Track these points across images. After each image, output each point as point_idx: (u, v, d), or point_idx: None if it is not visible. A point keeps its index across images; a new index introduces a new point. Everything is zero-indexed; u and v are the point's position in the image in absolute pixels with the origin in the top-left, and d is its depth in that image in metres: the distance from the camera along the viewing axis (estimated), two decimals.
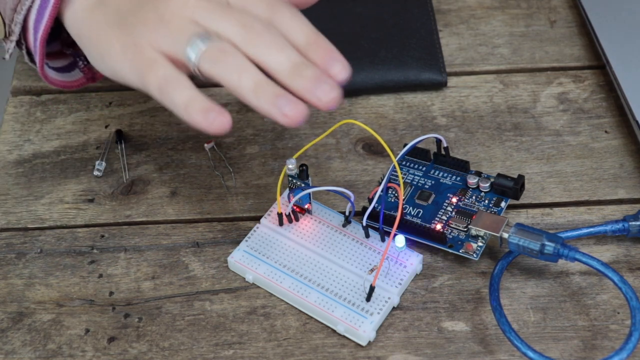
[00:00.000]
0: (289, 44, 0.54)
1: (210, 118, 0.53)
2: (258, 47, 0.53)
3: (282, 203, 0.64)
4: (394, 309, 0.60)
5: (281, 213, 0.63)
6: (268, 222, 0.64)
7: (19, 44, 0.64)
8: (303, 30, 0.55)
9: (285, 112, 0.52)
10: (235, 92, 0.54)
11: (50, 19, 0.60)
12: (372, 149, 0.70)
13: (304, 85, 0.52)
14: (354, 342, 0.59)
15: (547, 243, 0.58)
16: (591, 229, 0.62)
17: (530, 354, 0.55)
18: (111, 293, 0.62)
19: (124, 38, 0.57)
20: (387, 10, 0.76)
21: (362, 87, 0.72)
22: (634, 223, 0.61)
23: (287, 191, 0.64)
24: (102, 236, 0.65)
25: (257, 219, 0.65)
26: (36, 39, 0.62)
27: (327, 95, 0.52)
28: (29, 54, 0.64)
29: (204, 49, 0.54)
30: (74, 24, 0.61)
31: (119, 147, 0.70)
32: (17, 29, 0.62)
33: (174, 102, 0.54)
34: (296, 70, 0.53)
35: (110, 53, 0.58)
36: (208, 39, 0.54)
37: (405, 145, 0.65)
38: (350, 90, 0.72)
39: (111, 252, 0.64)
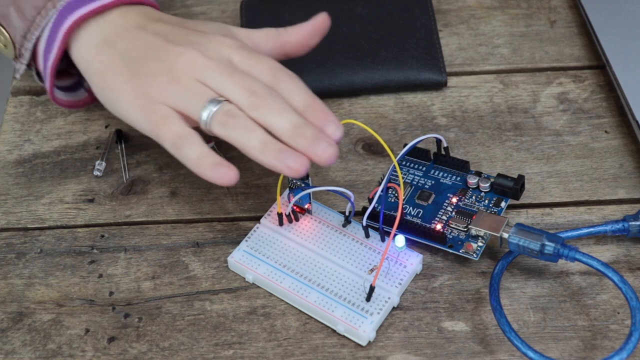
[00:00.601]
0: (290, 108, 0.59)
1: (220, 172, 0.59)
2: (263, 111, 0.58)
3: (282, 203, 0.64)
4: (394, 309, 0.60)
5: (281, 213, 0.63)
6: (268, 222, 0.64)
7: (29, 66, 0.67)
8: (301, 95, 0.60)
9: (289, 165, 0.57)
10: (243, 151, 0.59)
11: (60, 52, 0.64)
12: (372, 149, 0.70)
13: (305, 145, 0.57)
14: (354, 342, 0.59)
15: (547, 243, 0.58)
16: (591, 229, 0.62)
17: (531, 354, 0.55)
18: (111, 293, 0.62)
19: (135, 89, 0.61)
20: (387, 10, 0.76)
21: (362, 87, 0.72)
22: (634, 223, 0.61)
23: (287, 191, 0.64)
24: (102, 236, 0.65)
25: (257, 219, 0.65)
26: (46, 67, 0.64)
27: (325, 153, 0.57)
28: (38, 75, 0.67)
29: (215, 111, 0.59)
30: (81, 61, 0.64)
31: (119, 147, 0.70)
32: (27, 54, 0.66)
33: (187, 156, 0.59)
34: (297, 131, 0.58)
35: (122, 100, 0.62)
36: (219, 103, 0.59)
37: (405, 145, 0.65)
38: (350, 90, 0.73)
39: (111, 252, 0.64)
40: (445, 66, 0.73)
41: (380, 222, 0.62)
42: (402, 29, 0.75)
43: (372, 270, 0.60)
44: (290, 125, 0.58)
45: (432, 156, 0.67)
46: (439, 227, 0.62)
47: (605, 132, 0.70)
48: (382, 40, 0.74)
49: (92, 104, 0.70)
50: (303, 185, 0.63)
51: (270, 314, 0.61)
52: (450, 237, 0.62)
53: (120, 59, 0.62)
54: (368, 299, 0.59)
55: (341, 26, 0.74)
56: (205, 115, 0.59)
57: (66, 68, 0.68)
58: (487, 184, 0.64)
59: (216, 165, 0.59)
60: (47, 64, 0.64)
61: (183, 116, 0.60)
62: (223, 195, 0.67)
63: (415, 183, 0.65)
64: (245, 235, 0.64)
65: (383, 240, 0.62)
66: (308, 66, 0.72)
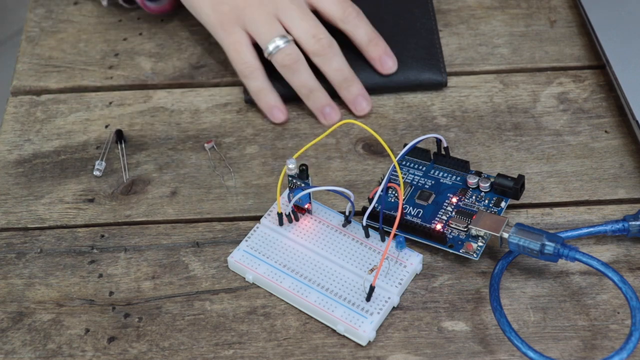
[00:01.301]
0: (344, 61, 0.71)
1: (273, 113, 0.71)
2: (321, 59, 0.71)
3: (282, 203, 0.64)
4: (394, 308, 0.60)
5: (281, 213, 0.63)
6: (268, 222, 0.64)
7: None
8: (366, 29, 0.72)
9: (325, 114, 0.71)
10: (295, 89, 0.71)
11: None
12: (372, 149, 0.70)
13: (348, 97, 0.72)
14: (354, 342, 0.59)
15: (547, 243, 0.58)
16: (591, 229, 0.62)
17: (531, 354, 0.55)
18: (111, 293, 0.62)
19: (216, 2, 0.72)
20: (388, 10, 0.76)
21: (363, 86, 0.72)
22: (634, 223, 0.61)
23: (287, 191, 0.64)
24: (102, 236, 0.65)
25: (257, 219, 0.65)
26: None
27: (361, 107, 0.72)
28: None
29: (280, 48, 0.70)
30: None
31: (119, 147, 0.70)
32: None
33: (248, 86, 0.72)
34: (345, 84, 0.71)
35: (202, 7, 0.72)
36: (287, 42, 0.70)
37: (405, 145, 0.65)
38: None
39: (111, 252, 0.64)
40: (446, 66, 0.73)
41: (380, 222, 0.62)
42: (402, 29, 0.75)
43: (372, 270, 0.60)
44: (342, 77, 0.71)
45: (432, 156, 0.67)
46: (439, 227, 0.62)
47: (605, 132, 0.70)
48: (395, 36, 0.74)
49: (170, 11, 0.79)
50: (303, 185, 0.63)
51: (270, 314, 0.61)
52: (451, 237, 0.62)
53: None
54: (368, 299, 0.59)
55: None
56: (271, 47, 0.70)
57: None
58: (487, 184, 0.64)
59: (271, 107, 0.71)
60: None
61: (251, 38, 0.71)
62: (223, 195, 0.67)
63: (415, 183, 0.65)
64: (245, 235, 0.64)
65: (383, 240, 0.62)
66: (310, 64, 0.71)
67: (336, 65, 0.71)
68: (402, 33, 0.75)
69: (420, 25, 0.75)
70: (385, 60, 0.72)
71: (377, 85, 0.73)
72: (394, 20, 0.75)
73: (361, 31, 0.72)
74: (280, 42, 0.70)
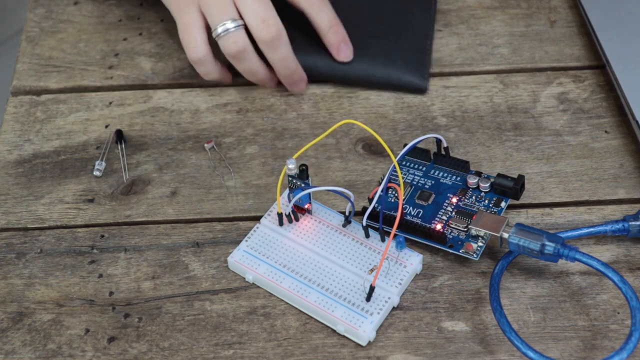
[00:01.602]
0: (290, 52, 0.70)
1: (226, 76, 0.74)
2: (267, 46, 0.69)
3: (282, 203, 0.64)
4: (394, 309, 0.60)
5: (281, 213, 0.63)
6: (268, 222, 0.64)
7: None
8: (328, 15, 0.72)
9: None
10: (241, 74, 0.72)
11: None
12: (372, 149, 0.70)
13: (287, 82, 0.72)
14: (354, 342, 0.59)
15: (547, 243, 0.58)
16: (591, 229, 0.62)
17: (531, 354, 0.55)
18: (111, 293, 0.62)
19: None
20: (390, 6, 0.76)
21: (344, 76, 0.73)
22: (634, 223, 0.61)
23: (287, 191, 0.64)
24: (102, 236, 0.65)
25: (257, 219, 0.65)
26: None
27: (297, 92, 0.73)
28: None
29: (230, 32, 0.69)
30: None
31: (119, 147, 0.70)
32: None
33: (197, 70, 0.72)
34: (287, 80, 0.72)
35: None
36: (237, 27, 0.69)
37: (405, 145, 0.65)
38: (332, 76, 0.73)
39: (111, 252, 0.64)
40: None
41: (380, 222, 0.62)
42: (399, 28, 0.75)
43: (372, 270, 0.60)
44: (285, 67, 0.71)
45: (432, 156, 0.67)
46: (439, 227, 0.62)
47: (605, 132, 0.70)
48: (377, 35, 0.74)
49: None
50: (303, 185, 0.63)
51: (270, 314, 0.61)
52: (451, 237, 0.62)
53: None
54: (368, 299, 0.59)
55: (341, 13, 0.74)
56: (220, 29, 0.69)
57: None
58: (487, 184, 0.64)
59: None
60: None
61: (203, 18, 0.70)
62: (223, 195, 0.67)
63: (415, 183, 0.65)
64: (245, 235, 0.64)
65: (383, 240, 0.62)
66: (298, 42, 0.72)
67: (280, 55, 0.70)
68: (397, 32, 0.74)
69: (418, 27, 0.75)
70: (342, 48, 0.72)
71: (359, 78, 0.73)
72: (393, 18, 0.75)
73: (323, 16, 0.72)
74: (230, 26, 0.69)
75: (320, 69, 0.73)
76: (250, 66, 0.70)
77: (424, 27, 0.75)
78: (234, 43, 0.69)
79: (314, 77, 0.73)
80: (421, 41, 0.74)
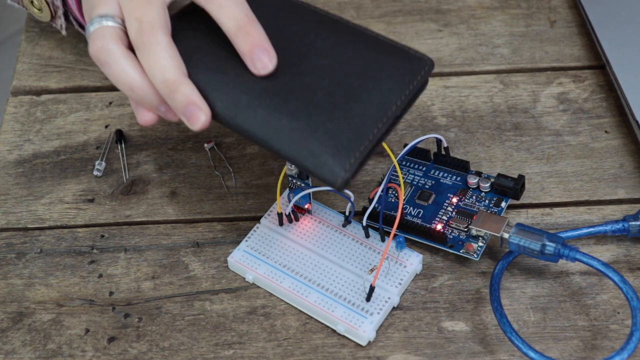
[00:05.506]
0: (168, 57, 0.54)
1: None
2: (138, 50, 0.55)
3: (282, 203, 0.64)
4: (394, 309, 0.60)
5: (281, 213, 0.63)
6: (268, 222, 0.64)
7: (66, 16, 0.71)
8: (235, 14, 0.55)
9: (140, 118, 0.57)
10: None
11: None
12: None
13: (174, 106, 0.55)
14: (354, 342, 0.59)
15: (548, 243, 0.58)
16: (591, 229, 0.62)
17: (532, 354, 0.55)
18: (111, 293, 0.62)
19: None
20: (362, 59, 0.57)
21: (245, 129, 0.55)
22: (634, 223, 0.61)
23: (287, 191, 0.64)
24: (102, 236, 0.65)
25: (257, 219, 0.65)
26: (73, 3, 0.68)
27: (196, 120, 0.55)
28: (78, 23, 0.71)
29: (95, 29, 0.56)
30: None
31: (119, 147, 0.70)
32: (59, 3, 0.69)
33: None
34: (165, 90, 0.55)
35: None
36: (115, 24, 0.56)
37: (405, 145, 0.65)
38: (232, 125, 0.56)
39: (111, 252, 0.64)
40: (356, 163, 0.54)
41: (380, 222, 0.62)
42: (353, 93, 0.55)
43: (372, 270, 0.60)
44: (161, 76, 0.54)
45: (432, 156, 0.67)
46: (439, 227, 0.62)
47: (605, 132, 0.70)
48: (331, 94, 0.55)
49: None
50: (303, 185, 0.63)
51: (270, 314, 0.61)
52: (451, 237, 0.62)
53: None
54: (368, 299, 0.59)
55: (312, 58, 0.57)
56: (91, 28, 0.56)
57: None
58: (488, 184, 0.64)
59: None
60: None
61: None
62: (223, 195, 0.67)
63: (415, 183, 0.65)
64: (245, 235, 0.64)
65: (383, 240, 0.62)
66: (204, 61, 0.56)
67: (153, 61, 0.54)
68: (349, 97, 0.55)
69: (376, 99, 0.55)
70: (258, 55, 0.54)
71: (259, 138, 0.55)
72: (356, 79, 0.56)
73: (227, 14, 0.55)
74: (98, 23, 0.55)
75: (217, 100, 0.55)
76: (117, 73, 0.55)
77: (381, 102, 0.55)
78: (93, 43, 0.55)
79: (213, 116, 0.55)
80: (367, 123, 0.54)
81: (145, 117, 0.57)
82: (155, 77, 0.55)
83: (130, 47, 0.56)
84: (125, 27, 0.56)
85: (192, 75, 0.55)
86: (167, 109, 0.56)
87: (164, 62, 0.54)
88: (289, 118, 0.54)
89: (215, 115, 0.55)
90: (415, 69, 0.56)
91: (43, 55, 0.77)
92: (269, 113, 0.54)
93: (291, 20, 0.58)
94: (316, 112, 0.54)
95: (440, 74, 0.74)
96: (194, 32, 0.58)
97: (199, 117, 0.54)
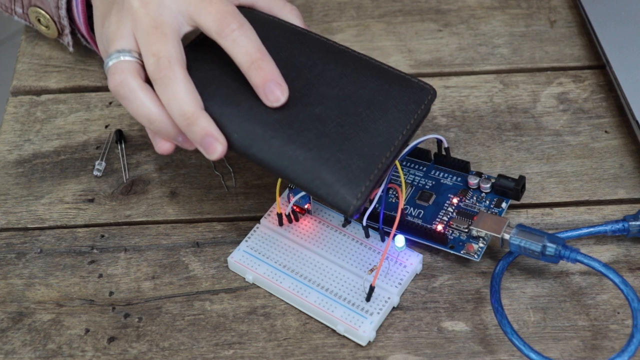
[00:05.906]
0: (186, 90, 0.57)
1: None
2: (157, 84, 0.58)
3: (282, 203, 0.64)
4: (394, 309, 0.60)
5: (281, 213, 0.63)
6: (268, 222, 0.64)
7: (73, 34, 0.72)
8: (248, 49, 0.58)
9: (158, 145, 0.60)
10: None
11: (82, 2, 0.68)
12: None
13: (192, 137, 0.58)
14: (354, 342, 0.59)
15: (548, 244, 0.58)
16: (591, 229, 0.62)
17: (533, 355, 0.55)
18: (111, 293, 0.62)
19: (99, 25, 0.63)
20: (370, 92, 0.60)
21: (272, 161, 0.57)
22: (634, 223, 0.61)
23: (287, 191, 0.64)
24: (102, 236, 0.65)
25: (257, 219, 0.65)
26: (80, 18, 0.69)
27: (212, 151, 0.58)
28: (86, 39, 0.72)
29: (113, 63, 0.58)
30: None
31: (119, 147, 0.70)
32: (65, 22, 0.70)
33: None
34: (184, 123, 0.57)
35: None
36: (132, 59, 0.58)
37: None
38: (248, 155, 0.58)
39: (111, 252, 0.64)
40: (366, 191, 0.56)
41: (380, 222, 0.62)
42: (362, 123, 0.58)
43: (372, 270, 0.60)
44: (179, 110, 0.57)
45: (432, 157, 0.67)
46: (440, 227, 0.62)
47: (605, 132, 0.70)
48: (341, 124, 0.58)
49: None
50: None
51: (270, 314, 0.61)
52: (452, 237, 0.62)
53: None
54: (368, 299, 0.59)
55: (321, 88, 0.59)
56: (110, 62, 0.58)
57: None
58: (488, 185, 0.64)
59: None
60: (80, 15, 0.68)
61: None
62: (223, 195, 0.67)
63: (415, 183, 0.65)
64: (245, 235, 0.64)
65: (383, 240, 0.62)
66: (221, 94, 0.59)
67: (171, 95, 0.57)
68: (357, 122, 0.58)
69: (383, 128, 0.58)
70: (271, 88, 0.57)
71: (274, 167, 0.57)
72: (364, 104, 0.59)
73: (240, 49, 0.57)
74: (116, 58, 0.58)
75: (235, 132, 0.58)
76: (137, 107, 0.58)
77: (391, 132, 0.58)
78: (111, 77, 0.58)
79: (229, 146, 0.58)
80: (375, 154, 0.57)
81: (163, 147, 0.60)
82: (173, 110, 0.57)
83: (147, 80, 0.59)
84: (142, 61, 0.58)
85: (208, 107, 0.58)
86: (184, 139, 0.59)
87: (182, 96, 0.57)
88: (302, 149, 0.57)
89: (231, 145, 0.58)
90: (419, 99, 0.60)
91: (43, 55, 0.77)
92: (283, 144, 0.57)
93: (299, 51, 0.61)
94: (327, 142, 0.57)
95: (440, 74, 0.74)
96: (207, 64, 0.60)
97: (216, 148, 0.57)
